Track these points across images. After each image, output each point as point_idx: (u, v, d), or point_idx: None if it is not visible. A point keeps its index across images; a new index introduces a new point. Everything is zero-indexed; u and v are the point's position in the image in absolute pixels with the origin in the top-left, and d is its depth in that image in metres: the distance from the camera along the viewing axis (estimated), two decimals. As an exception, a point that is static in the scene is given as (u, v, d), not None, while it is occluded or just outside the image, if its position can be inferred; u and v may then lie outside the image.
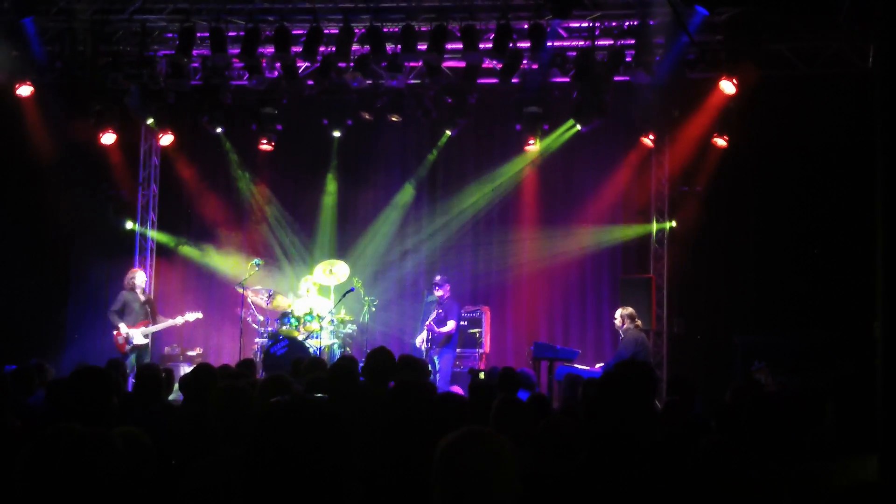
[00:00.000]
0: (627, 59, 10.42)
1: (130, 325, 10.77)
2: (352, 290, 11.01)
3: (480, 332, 11.24)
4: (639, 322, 9.80)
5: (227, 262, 12.41)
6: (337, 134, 11.98)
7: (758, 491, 3.15)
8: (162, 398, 5.64)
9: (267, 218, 12.77)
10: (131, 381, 8.51)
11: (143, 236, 12.61)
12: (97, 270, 12.45)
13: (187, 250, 12.64)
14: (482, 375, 9.43)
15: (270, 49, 10.55)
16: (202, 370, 5.39)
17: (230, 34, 10.54)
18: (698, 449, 3.38)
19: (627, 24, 10.44)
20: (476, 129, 12.15)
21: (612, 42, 10.55)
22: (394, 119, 11.47)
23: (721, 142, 10.94)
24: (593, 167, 12.10)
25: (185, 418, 4.72)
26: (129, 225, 12.37)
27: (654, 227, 11.91)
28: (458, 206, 12.41)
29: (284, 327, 10.70)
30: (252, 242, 12.62)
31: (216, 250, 12.56)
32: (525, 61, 10.63)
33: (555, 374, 9.80)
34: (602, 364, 9.90)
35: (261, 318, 11.15)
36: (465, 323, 11.23)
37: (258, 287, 11.29)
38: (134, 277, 11.05)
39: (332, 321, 10.84)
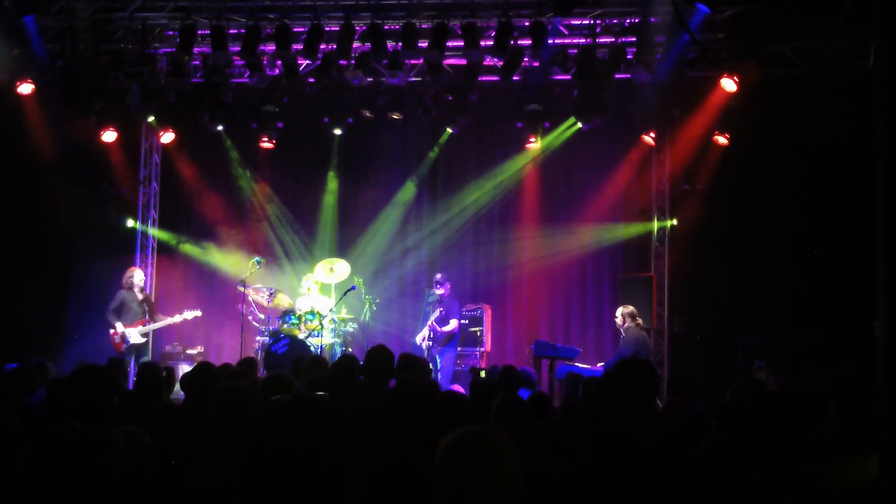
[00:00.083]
0: (629, 57, 10.41)
1: (128, 324, 10.76)
2: (353, 288, 11.00)
3: (481, 331, 11.23)
4: (640, 320, 9.80)
5: (228, 261, 12.42)
6: (338, 132, 11.97)
7: (758, 491, 3.16)
8: (163, 397, 5.64)
9: (268, 216, 12.77)
10: (132, 379, 8.52)
11: (144, 234, 12.61)
12: (98, 269, 12.46)
13: (188, 248, 12.63)
14: (483, 374, 9.42)
15: (271, 47, 10.54)
16: (203, 369, 5.38)
17: (231, 32, 10.52)
18: (698, 449, 3.38)
19: (628, 21, 10.44)
20: (477, 127, 12.13)
21: (613, 40, 10.55)
22: (395, 117, 11.45)
23: (722, 140, 10.93)
24: (594, 165, 12.08)
25: (186, 417, 4.71)
26: (129, 223, 12.37)
27: (655, 225, 11.91)
28: (459, 204, 12.41)
29: (285, 326, 10.70)
30: (253, 241, 12.62)
31: (217, 248, 12.56)
32: (526, 59, 10.60)
33: (556, 372, 9.81)
34: (603, 363, 9.91)
35: (262, 316, 11.16)
36: (466, 321, 11.23)
37: (259, 285, 11.29)
38: (132, 276, 11.05)
39: (333, 319, 10.84)
